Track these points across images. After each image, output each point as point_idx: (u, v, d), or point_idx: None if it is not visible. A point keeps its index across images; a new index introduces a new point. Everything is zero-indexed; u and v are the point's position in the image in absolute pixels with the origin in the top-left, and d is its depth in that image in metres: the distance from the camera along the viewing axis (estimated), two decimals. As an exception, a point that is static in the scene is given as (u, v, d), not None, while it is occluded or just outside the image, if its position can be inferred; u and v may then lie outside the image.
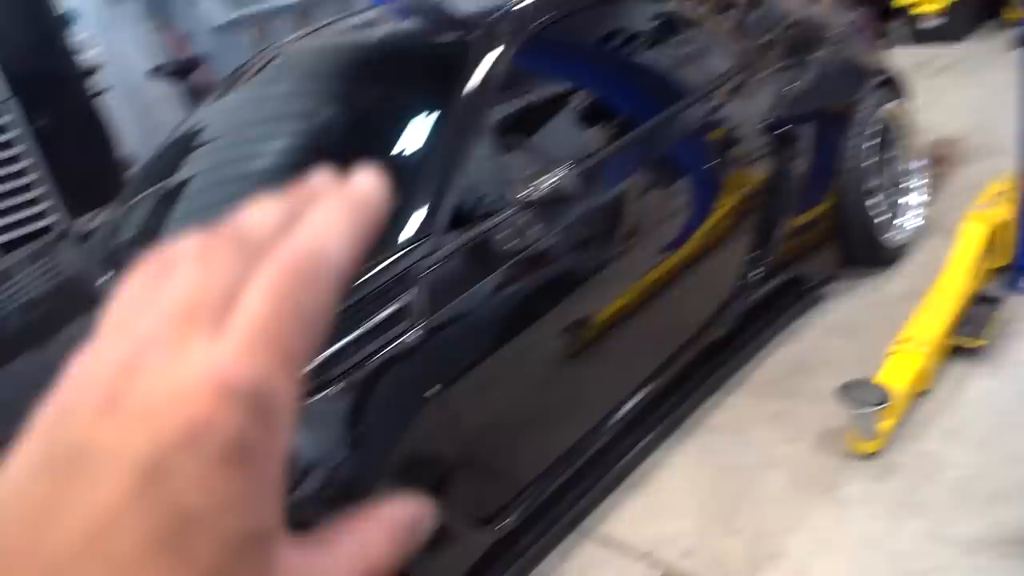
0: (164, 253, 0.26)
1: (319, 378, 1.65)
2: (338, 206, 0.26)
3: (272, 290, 0.24)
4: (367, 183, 0.27)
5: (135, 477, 0.21)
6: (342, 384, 1.67)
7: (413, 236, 1.91)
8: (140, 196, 2.63)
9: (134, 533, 0.21)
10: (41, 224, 4.36)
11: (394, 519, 0.28)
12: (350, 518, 0.27)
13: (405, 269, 1.85)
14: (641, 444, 2.45)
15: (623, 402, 2.40)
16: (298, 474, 1.58)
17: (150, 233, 2.44)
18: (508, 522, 2.04)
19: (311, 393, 1.64)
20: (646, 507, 2.40)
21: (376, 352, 1.73)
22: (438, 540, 1.84)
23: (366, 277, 1.81)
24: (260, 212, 0.27)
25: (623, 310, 2.38)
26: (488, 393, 1.98)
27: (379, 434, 1.71)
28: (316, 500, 1.57)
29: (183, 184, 2.53)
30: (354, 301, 1.78)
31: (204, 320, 0.24)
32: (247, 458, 0.22)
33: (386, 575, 0.27)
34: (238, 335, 0.23)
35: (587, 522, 2.37)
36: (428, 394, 1.78)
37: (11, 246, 3.88)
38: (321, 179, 0.28)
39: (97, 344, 0.25)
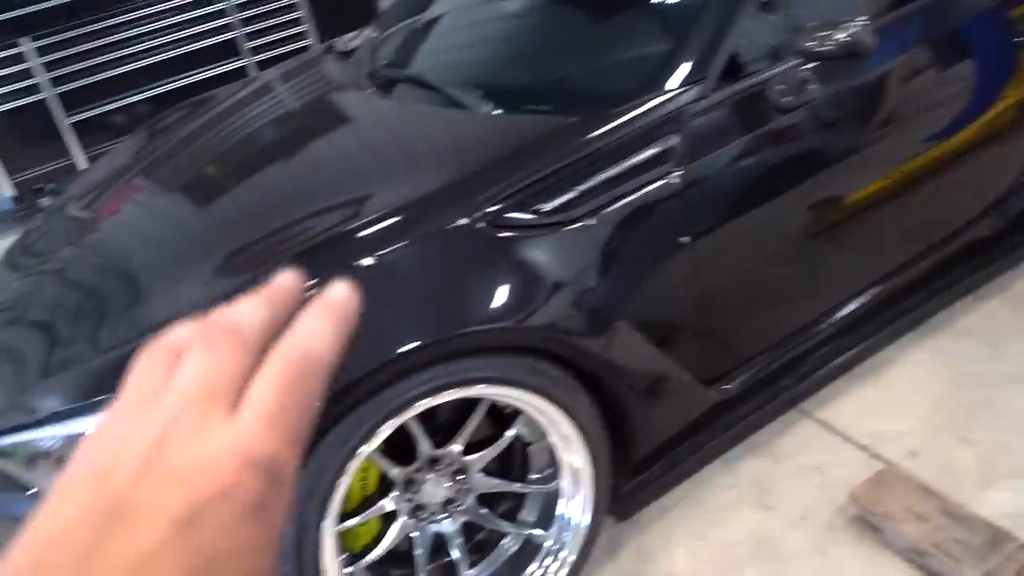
0: (170, 340, 0.33)
1: (578, 208, 1.65)
2: (324, 313, 0.33)
3: (278, 384, 0.31)
4: (343, 292, 0.35)
5: (172, 525, 0.27)
6: (599, 216, 1.66)
7: (683, 81, 1.82)
8: (398, 25, 2.71)
9: (171, 570, 0.26)
10: (297, 45, 4.61)
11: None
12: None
13: (671, 113, 1.78)
14: (877, 336, 2.31)
15: (863, 290, 2.26)
16: (548, 289, 1.60)
17: (405, 59, 2.53)
18: (731, 387, 2.01)
19: (573, 221, 1.64)
20: (872, 400, 2.29)
21: (635, 190, 1.69)
22: (662, 389, 1.85)
23: (630, 116, 1.76)
24: (248, 309, 0.34)
25: (881, 193, 2.20)
26: (731, 255, 1.91)
27: (628, 270, 1.70)
28: (562, 319, 1.60)
29: (437, 20, 2.62)
30: (616, 139, 1.74)
31: (220, 402, 0.30)
32: (264, 514, 0.29)
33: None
34: (254, 417, 0.30)
35: (808, 404, 2.30)
36: (681, 240, 1.74)
37: (266, 64, 4.14)
38: (289, 278, 0.36)
39: (123, 416, 0.31)
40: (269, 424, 0.30)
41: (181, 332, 0.34)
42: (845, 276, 2.26)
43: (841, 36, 1.79)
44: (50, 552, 0.27)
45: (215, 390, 0.31)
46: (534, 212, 1.63)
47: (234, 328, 0.33)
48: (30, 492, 1.54)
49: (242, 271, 1.69)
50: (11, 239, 2.55)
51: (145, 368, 0.33)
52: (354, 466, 1.52)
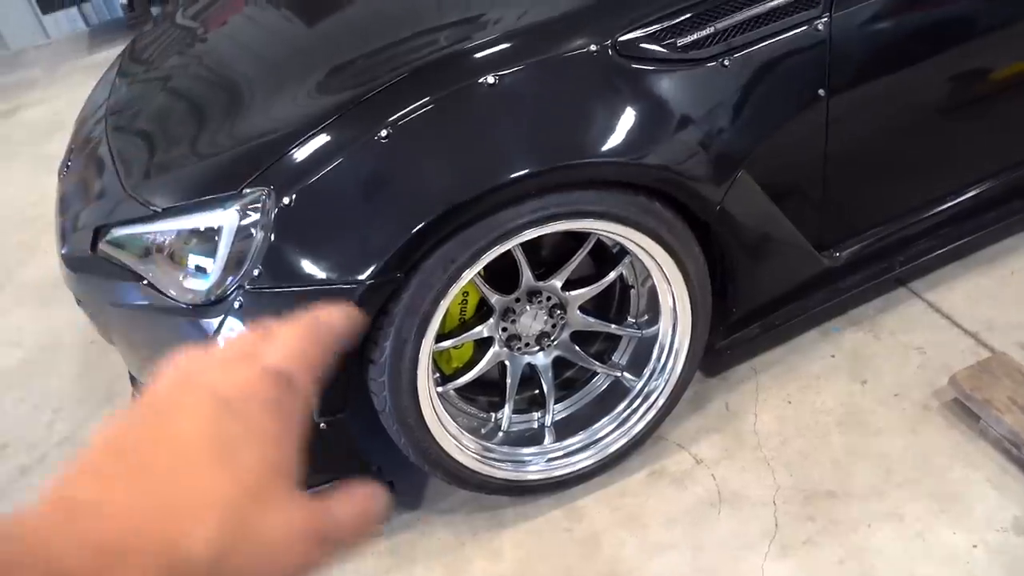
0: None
1: (715, 46, 1.54)
2: (341, 307, 0.45)
3: (297, 331, 0.42)
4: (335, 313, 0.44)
5: (213, 408, 0.37)
6: (735, 58, 1.56)
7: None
8: None
9: (207, 440, 0.35)
10: None
11: (364, 499, 0.40)
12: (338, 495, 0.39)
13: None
14: (1000, 224, 2.17)
15: (993, 174, 2.10)
16: (672, 128, 1.54)
17: None
18: (841, 255, 1.93)
19: (708, 60, 1.54)
20: (986, 288, 2.19)
21: (777, 34, 1.57)
22: (773, 247, 1.78)
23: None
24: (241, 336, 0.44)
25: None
26: (864, 117, 1.78)
27: (758, 118, 1.60)
28: (682, 161, 1.53)
29: None
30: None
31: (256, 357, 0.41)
32: (280, 411, 0.38)
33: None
34: (276, 348, 0.41)
35: (918, 284, 2.21)
36: (821, 92, 1.62)
37: None
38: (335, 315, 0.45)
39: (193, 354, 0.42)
40: (286, 353, 0.41)
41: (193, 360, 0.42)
42: (976, 157, 2.10)
43: None
44: (113, 442, 0.36)
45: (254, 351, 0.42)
46: (669, 46, 1.53)
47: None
48: (144, 282, 1.59)
49: (342, 87, 1.65)
50: (122, 47, 2.56)
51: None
52: (457, 288, 1.51)
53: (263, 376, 0.38)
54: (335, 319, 0.43)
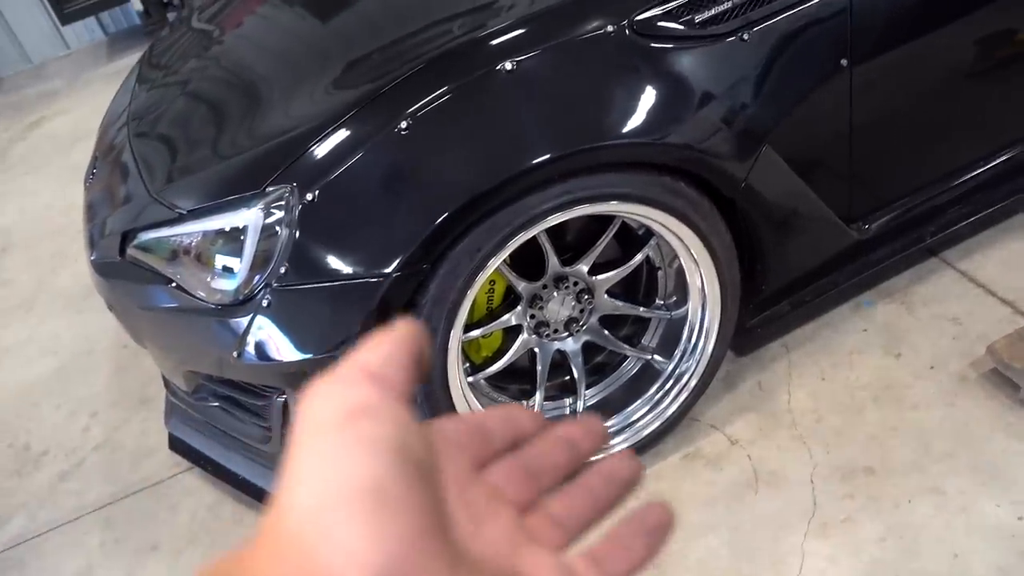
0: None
1: (734, 20, 1.52)
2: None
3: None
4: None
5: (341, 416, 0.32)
6: (755, 31, 1.53)
7: None
8: None
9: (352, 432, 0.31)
10: None
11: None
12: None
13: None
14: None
15: (1022, 140, 2.06)
16: (694, 106, 1.52)
17: None
18: (870, 227, 1.90)
19: (726, 35, 1.52)
20: (1021, 256, 2.14)
21: (796, 4, 1.55)
22: (800, 222, 1.76)
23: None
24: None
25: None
26: (889, 85, 1.75)
27: (781, 92, 1.58)
28: (705, 139, 1.52)
29: None
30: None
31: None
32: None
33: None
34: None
35: (950, 253, 2.18)
36: (843, 62, 1.60)
37: None
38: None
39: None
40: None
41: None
42: (1005, 120, 2.06)
43: None
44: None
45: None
46: (686, 23, 1.51)
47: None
48: (172, 285, 1.60)
49: (359, 82, 1.64)
50: (141, 53, 2.58)
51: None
52: (483, 277, 1.51)
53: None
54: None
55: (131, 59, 5.09)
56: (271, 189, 1.48)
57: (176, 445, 2.11)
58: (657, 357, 1.84)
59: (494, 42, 1.53)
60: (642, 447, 1.86)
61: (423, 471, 0.31)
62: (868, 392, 1.91)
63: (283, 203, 1.46)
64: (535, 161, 1.42)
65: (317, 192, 1.44)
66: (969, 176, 2.02)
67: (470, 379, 1.70)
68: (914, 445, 1.78)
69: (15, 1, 5.64)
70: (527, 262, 1.64)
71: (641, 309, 1.81)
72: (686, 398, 1.84)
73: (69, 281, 3.16)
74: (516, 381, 1.87)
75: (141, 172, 1.81)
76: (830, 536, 1.65)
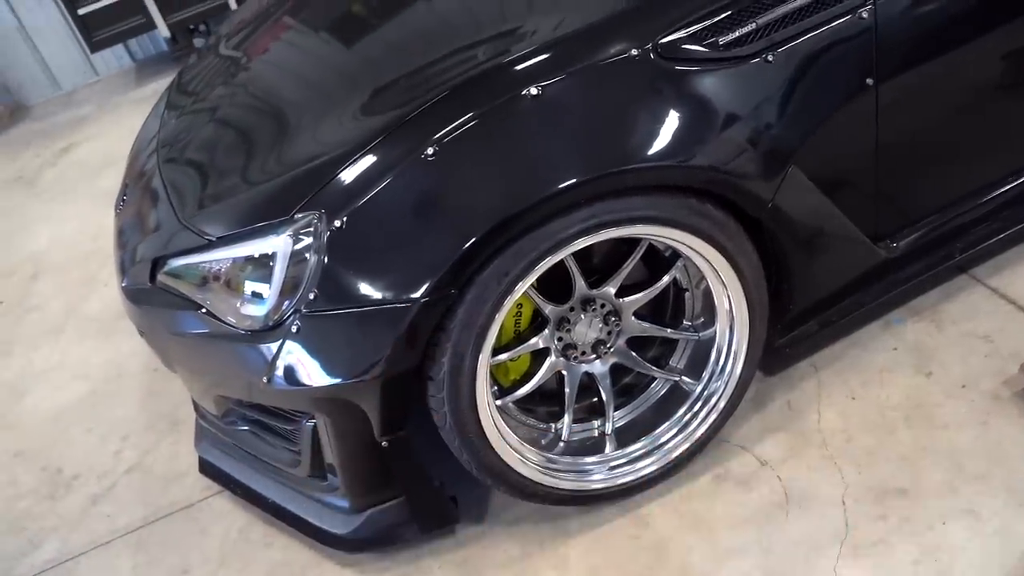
0: None
1: (758, 42, 1.52)
2: None
3: None
4: None
5: None
6: (779, 53, 1.54)
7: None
8: None
9: None
10: None
11: None
12: None
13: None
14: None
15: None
16: (718, 128, 1.52)
17: None
18: (899, 246, 1.89)
19: (751, 56, 1.52)
20: (1054, 271, 2.12)
21: (820, 25, 1.55)
22: (828, 241, 1.75)
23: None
24: None
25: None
26: (916, 102, 1.74)
27: (806, 112, 1.58)
28: (730, 160, 1.52)
29: None
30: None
31: None
32: None
33: None
34: None
35: (980, 270, 2.16)
36: (869, 81, 1.59)
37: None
38: None
39: None
40: None
41: None
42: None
43: None
44: None
45: None
46: (710, 45, 1.51)
47: None
48: (203, 311, 1.62)
49: (386, 108, 1.66)
50: (169, 78, 2.62)
51: None
52: (511, 301, 1.51)
53: None
54: None
55: (159, 85, 5.18)
56: (300, 216, 1.50)
57: (206, 469, 2.13)
58: (685, 378, 1.83)
59: (519, 67, 1.54)
60: (671, 469, 1.85)
61: None
62: (899, 411, 1.89)
63: (311, 229, 1.48)
64: (561, 186, 1.43)
65: (345, 218, 1.46)
66: (997, 192, 2.00)
67: (498, 402, 1.70)
68: (947, 465, 1.75)
69: (45, 30, 5.76)
70: (554, 285, 1.65)
71: (668, 331, 1.80)
72: (715, 419, 1.83)
73: (99, 306, 3.20)
74: (544, 404, 1.86)
75: (171, 199, 1.83)
76: (863, 558, 1.63)
